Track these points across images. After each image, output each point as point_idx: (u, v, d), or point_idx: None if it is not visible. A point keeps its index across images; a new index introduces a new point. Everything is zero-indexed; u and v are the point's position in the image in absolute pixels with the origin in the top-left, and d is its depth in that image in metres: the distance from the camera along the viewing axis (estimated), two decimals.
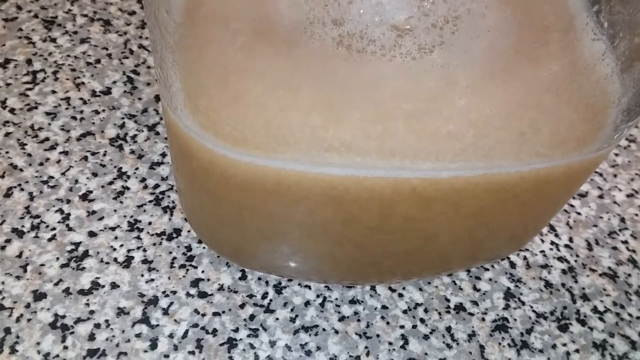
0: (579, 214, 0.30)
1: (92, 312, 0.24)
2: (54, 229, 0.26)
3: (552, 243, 0.29)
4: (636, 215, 0.30)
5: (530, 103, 0.18)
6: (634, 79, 0.17)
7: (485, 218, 0.19)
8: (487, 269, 0.27)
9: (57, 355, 0.23)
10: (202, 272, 0.26)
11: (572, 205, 0.30)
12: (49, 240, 0.26)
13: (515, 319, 0.26)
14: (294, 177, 0.17)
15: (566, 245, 0.29)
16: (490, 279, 0.27)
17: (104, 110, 0.30)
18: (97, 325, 0.24)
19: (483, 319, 0.26)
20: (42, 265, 0.25)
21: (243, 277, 0.26)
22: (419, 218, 0.18)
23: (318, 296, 0.26)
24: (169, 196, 0.28)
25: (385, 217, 0.18)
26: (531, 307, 0.26)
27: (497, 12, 0.18)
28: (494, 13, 0.18)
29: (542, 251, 0.28)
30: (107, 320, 0.24)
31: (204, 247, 0.26)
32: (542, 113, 0.18)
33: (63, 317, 0.24)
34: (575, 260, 0.28)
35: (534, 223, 0.22)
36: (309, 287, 0.26)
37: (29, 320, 0.23)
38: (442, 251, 0.22)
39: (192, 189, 0.20)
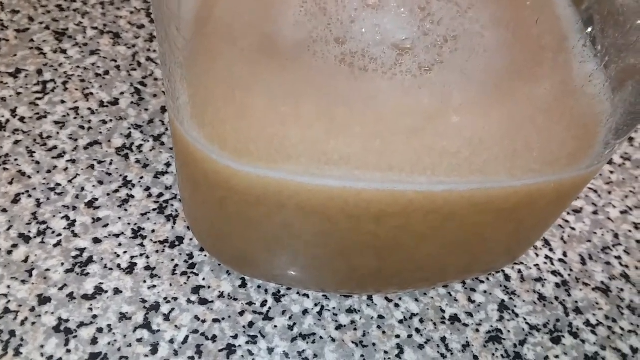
0: (573, 229, 0.31)
1: (95, 316, 0.25)
2: (59, 235, 0.27)
3: (547, 257, 0.29)
4: (630, 231, 0.31)
5: (523, 121, 0.18)
6: (622, 99, 0.18)
7: (479, 231, 0.20)
8: (482, 282, 0.28)
9: (60, 359, 0.23)
10: (203, 279, 0.26)
11: (566, 221, 0.31)
12: (55, 245, 0.26)
13: (509, 331, 0.26)
14: (294, 188, 0.18)
15: (560, 260, 0.29)
16: (485, 291, 0.28)
17: (111, 121, 0.31)
18: (100, 330, 0.24)
19: (477, 330, 0.26)
20: (48, 270, 0.26)
21: (243, 285, 0.26)
22: (415, 230, 0.19)
23: (316, 305, 0.26)
24: (172, 205, 0.28)
25: (381, 228, 0.19)
26: (525, 319, 0.27)
27: (493, 33, 0.19)
28: (490, 34, 0.19)
29: (537, 265, 0.29)
30: (109, 325, 0.24)
31: (205, 255, 0.27)
32: (534, 131, 0.18)
33: (67, 321, 0.24)
34: (569, 275, 0.29)
35: (527, 237, 0.23)
36: (308, 296, 0.26)
37: (33, 323, 0.24)
38: (437, 263, 0.22)
39: (196, 197, 0.21)
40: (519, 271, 0.29)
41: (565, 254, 0.30)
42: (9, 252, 0.26)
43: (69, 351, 0.23)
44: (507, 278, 0.28)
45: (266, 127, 0.17)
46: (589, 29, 0.20)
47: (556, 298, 0.28)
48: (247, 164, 0.17)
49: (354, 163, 0.17)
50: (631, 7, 0.18)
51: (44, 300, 0.25)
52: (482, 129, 0.18)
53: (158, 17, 0.17)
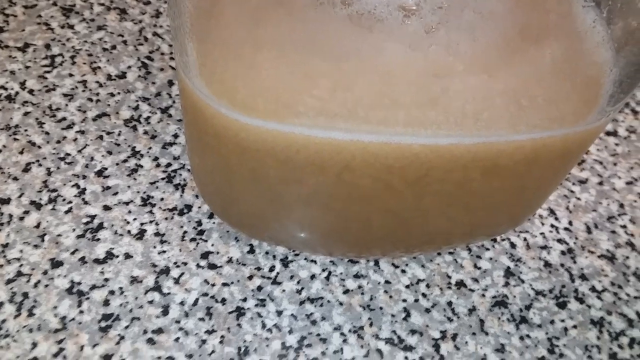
0: (578, 199, 0.31)
1: (106, 279, 0.25)
2: (70, 202, 0.27)
3: (552, 226, 0.29)
4: (635, 201, 0.31)
5: (528, 78, 0.19)
6: (625, 49, 0.18)
7: (483, 189, 0.20)
8: (488, 249, 0.28)
9: (73, 319, 0.24)
10: (212, 245, 0.27)
11: (572, 191, 0.31)
12: (66, 212, 0.27)
13: (514, 296, 0.27)
14: (302, 142, 0.18)
15: (565, 228, 0.29)
16: (491, 258, 0.28)
17: (119, 93, 0.32)
18: (112, 292, 0.25)
19: (483, 295, 0.27)
20: (59, 235, 0.26)
21: (251, 251, 0.27)
22: (420, 184, 0.19)
23: (323, 270, 0.26)
24: (180, 174, 0.29)
25: (387, 182, 0.19)
26: (530, 285, 0.27)
27: None
28: None
29: (542, 233, 0.29)
30: (121, 288, 0.25)
31: (213, 222, 0.27)
32: (540, 87, 0.18)
33: (79, 283, 0.25)
34: (575, 243, 0.29)
35: (530, 199, 0.23)
36: (315, 262, 0.27)
37: (46, 286, 0.25)
38: (442, 223, 0.22)
39: (205, 157, 0.21)
40: (525, 239, 0.29)
41: (570, 223, 0.30)
42: (21, 219, 0.26)
43: (81, 312, 0.24)
44: (513, 245, 0.28)
45: (274, 82, 0.18)
46: None
47: (562, 265, 0.28)
48: (255, 118, 0.18)
49: (360, 117, 0.18)
50: None
51: (56, 263, 0.25)
52: (487, 85, 0.18)
53: None
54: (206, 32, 0.18)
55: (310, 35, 0.18)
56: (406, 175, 0.19)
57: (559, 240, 0.29)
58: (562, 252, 0.29)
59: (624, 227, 0.30)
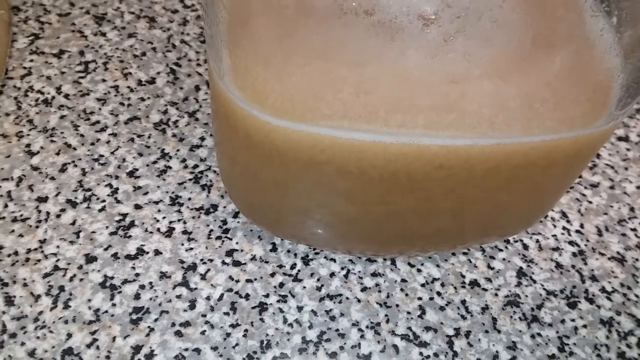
0: (590, 202, 0.32)
1: (137, 274, 0.26)
2: (103, 201, 0.29)
3: (564, 228, 0.30)
4: None
5: (540, 83, 0.20)
6: (633, 56, 0.19)
7: (498, 188, 0.21)
8: (501, 250, 0.29)
9: (106, 311, 0.25)
10: (237, 243, 0.28)
11: (583, 195, 0.32)
12: (99, 210, 0.28)
13: (526, 296, 0.28)
14: (327, 142, 0.19)
15: (577, 231, 0.30)
16: (504, 259, 0.29)
17: (149, 98, 0.33)
18: (142, 287, 0.26)
19: (496, 294, 0.28)
20: (94, 232, 0.27)
21: (274, 249, 0.28)
22: (439, 185, 0.21)
23: (342, 268, 0.28)
24: (207, 175, 0.30)
25: (407, 183, 0.20)
26: (542, 285, 0.28)
27: (513, 4, 0.20)
28: (509, 4, 0.20)
29: (554, 235, 0.30)
30: (150, 282, 0.26)
31: (238, 222, 0.29)
32: (551, 92, 0.20)
33: (112, 278, 0.26)
34: (586, 245, 0.30)
35: (541, 200, 0.24)
36: (334, 260, 0.28)
37: (81, 280, 0.26)
38: (457, 223, 0.24)
39: (234, 156, 0.23)
40: (537, 241, 0.30)
41: (582, 226, 0.31)
42: (58, 216, 0.28)
43: (114, 305, 0.25)
44: (525, 247, 0.29)
45: (302, 87, 0.19)
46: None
47: (573, 266, 0.29)
48: (284, 120, 0.19)
49: (381, 119, 0.19)
50: None
51: (90, 259, 0.27)
52: (501, 90, 0.19)
53: None
54: (240, 40, 0.20)
55: (335, 43, 0.20)
56: (424, 175, 0.20)
57: (571, 242, 0.30)
58: (574, 254, 0.29)
59: (634, 230, 0.31)
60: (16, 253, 0.26)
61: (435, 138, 0.19)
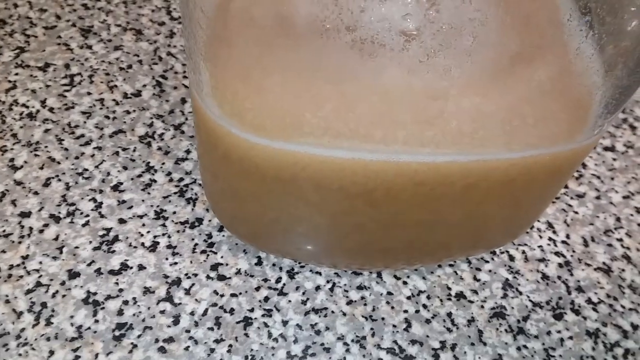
0: (576, 213, 0.32)
1: (121, 290, 0.26)
2: (87, 215, 0.28)
3: (550, 239, 0.30)
4: (631, 215, 0.32)
5: (520, 100, 0.20)
6: (611, 74, 0.19)
7: (479, 203, 0.21)
8: (487, 261, 0.29)
9: (89, 328, 0.25)
10: (222, 257, 0.28)
11: (570, 205, 0.32)
12: (83, 225, 0.28)
13: (512, 307, 0.28)
14: (307, 160, 0.19)
15: (563, 241, 0.30)
16: (490, 270, 0.29)
17: (134, 111, 0.33)
18: (126, 302, 0.26)
19: (482, 307, 0.27)
20: (77, 247, 0.27)
21: (259, 263, 0.28)
22: (420, 201, 0.21)
23: (328, 282, 0.28)
24: (192, 189, 0.30)
25: (387, 198, 0.20)
26: (528, 296, 0.28)
27: (496, 19, 0.20)
28: (493, 20, 0.20)
29: (540, 246, 0.30)
30: (134, 298, 0.26)
31: (223, 235, 0.29)
32: (531, 108, 0.20)
33: (95, 294, 0.26)
34: (572, 255, 0.30)
35: (525, 213, 0.24)
36: (320, 273, 0.28)
37: (63, 296, 0.26)
38: (440, 236, 0.23)
39: (216, 172, 0.22)
40: (523, 252, 0.30)
41: (568, 236, 0.31)
42: (41, 231, 0.28)
43: (97, 321, 0.25)
44: (512, 258, 0.29)
45: (281, 104, 0.19)
46: (587, 18, 0.21)
47: (559, 277, 0.29)
48: (264, 137, 0.19)
49: (362, 136, 0.19)
50: None
51: (73, 274, 0.26)
52: (482, 107, 0.19)
53: (184, 7, 0.19)
54: (219, 55, 0.20)
55: (315, 60, 0.19)
56: (406, 192, 0.20)
57: (557, 253, 0.30)
58: (560, 265, 0.29)
59: (620, 240, 0.31)
60: None
61: (415, 155, 0.19)
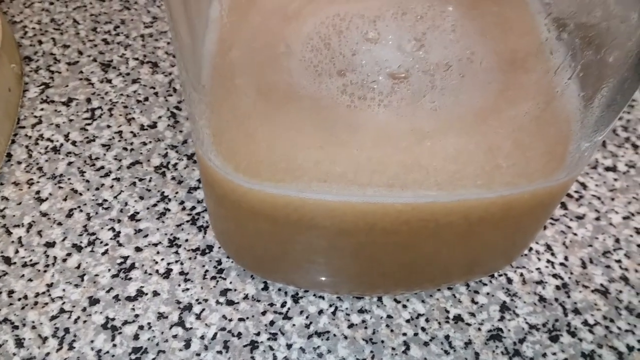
0: (575, 234, 0.32)
1: (137, 315, 0.28)
2: (106, 244, 0.31)
3: (548, 261, 0.31)
4: (631, 236, 0.33)
5: (502, 139, 0.21)
6: (590, 112, 0.20)
7: (465, 237, 0.23)
8: (485, 284, 0.30)
9: (107, 352, 0.27)
10: (230, 283, 0.30)
11: (569, 227, 0.33)
12: (103, 254, 0.30)
13: (509, 330, 0.29)
14: (298, 203, 0.21)
15: (561, 264, 0.31)
16: (488, 293, 0.30)
17: (150, 142, 0.35)
18: (141, 327, 0.28)
19: (479, 329, 0.29)
20: (97, 275, 0.29)
21: (265, 288, 0.30)
22: (407, 237, 0.22)
23: (330, 306, 0.29)
24: (203, 217, 0.32)
25: (378, 236, 0.22)
26: (525, 319, 0.29)
27: (482, 57, 0.21)
28: (478, 61, 0.21)
29: (538, 268, 0.31)
30: (149, 323, 0.28)
31: (232, 262, 0.30)
32: (511, 149, 0.21)
33: (113, 319, 0.28)
34: (569, 277, 0.31)
35: (515, 241, 0.25)
36: (323, 298, 0.29)
37: (84, 322, 0.28)
38: (434, 267, 0.25)
39: (219, 211, 0.24)
40: (521, 274, 0.31)
41: (566, 258, 0.31)
42: (64, 260, 0.30)
43: (115, 345, 0.27)
44: (509, 281, 0.30)
45: (272, 152, 0.21)
46: (569, 53, 0.22)
47: (556, 299, 0.30)
48: (257, 183, 0.21)
49: (348, 181, 0.20)
50: (608, 31, 0.20)
51: (93, 301, 0.29)
52: (463, 147, 0.21)
53: (181, 65, 0.21)
54: (214, 111, 0.21)
55: (305, 109, 0.21)
56: (393, 229, 0.21)
57: (554, 275, 0.31)
58: (557, 287, 0.30)
59: (618, 261, 0.31)
60: (26, 297, 0.28)
61: (398, 197, 0.20)
